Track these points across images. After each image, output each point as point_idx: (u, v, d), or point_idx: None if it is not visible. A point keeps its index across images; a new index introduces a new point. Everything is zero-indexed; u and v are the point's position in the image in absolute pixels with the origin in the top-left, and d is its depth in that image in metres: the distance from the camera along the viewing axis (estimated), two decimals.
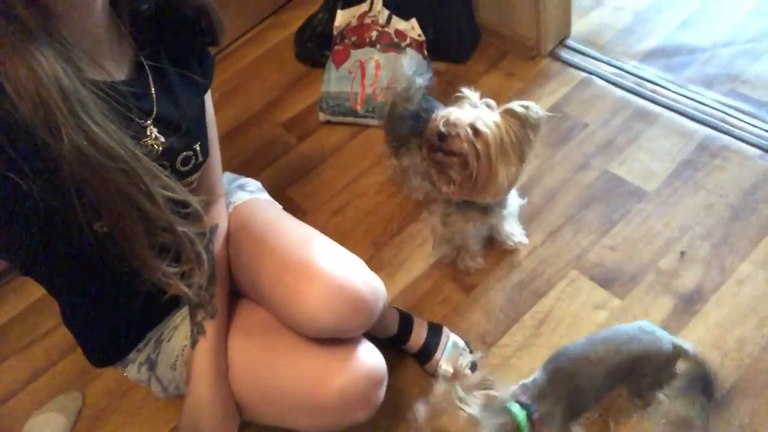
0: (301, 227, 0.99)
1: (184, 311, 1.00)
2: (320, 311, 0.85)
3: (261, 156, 1.75)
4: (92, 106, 0.66)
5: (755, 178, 1.39)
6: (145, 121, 0.80)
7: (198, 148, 0.89)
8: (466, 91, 1.15)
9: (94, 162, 0.65)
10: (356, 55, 1.73)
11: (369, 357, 0.90)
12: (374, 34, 1.74)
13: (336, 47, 1.78)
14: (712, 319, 1.21)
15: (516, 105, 1.10)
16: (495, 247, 1.40)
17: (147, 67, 0.82)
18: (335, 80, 1.73)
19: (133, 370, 1.02)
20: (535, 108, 1.10)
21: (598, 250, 1.35)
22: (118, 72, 0.79)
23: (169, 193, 0.74)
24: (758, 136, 1.46)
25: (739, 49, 1.66)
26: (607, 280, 1.30)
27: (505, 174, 1.10)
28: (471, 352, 1.24)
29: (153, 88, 0.82)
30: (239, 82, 1.99)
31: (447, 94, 1.71)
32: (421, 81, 1.33)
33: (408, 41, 1.75)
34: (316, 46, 1.91)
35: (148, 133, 0.80)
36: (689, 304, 1.24)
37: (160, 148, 0.81)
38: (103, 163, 0.66)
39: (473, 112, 1.10)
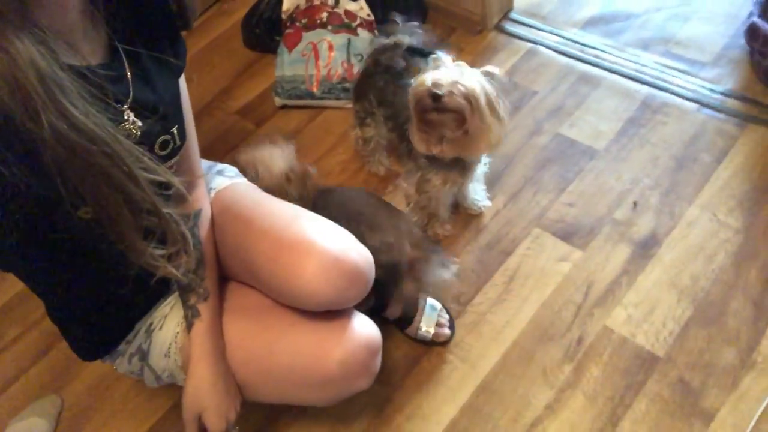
0: (287, 206, 1.01)
1: (173, 299, 1.00)
2: (320, 285, 0.86)
3: (219, 144, 1.74)
4: (70, 89, 0.65)
5: (694, 130, 1.50)
6: (122, 105, 0.80)
7: (175, 131, 0.90)
8: (440, 54, 1.19)
9: (76, 145, 0.65)
10: (308, 37, 1.74)
11: (364, 327, 0.94)
12: (324, 15, 1.76)
13: (287, 31, 1.79)
14: (667, 261, 1.30)
15: (482, 69, 1.16)
16: (461, 213, 1.45)
17: (122, 51, 0.81)
18: (289, 63, 1.73)
19: (124, 362, 1.01)
20: (497, 71, 1.16)
21: (557, 208, 1.43)
22: (94, 56, 0.78)
23: (152, 175, 0.74)
24: (693, 91, 1.57)
25: (670, 13, 1.77)
26: (567, 235, 1.38)
27: (495, 130, 1.15)
28: (448, 312, 1.29)
29: (129, 72, 0.82)
30: (187, 74, 1.95)
31: None
32: (409, 40, 1.34)
33: (358, 21, 1.77)
34: (265, 31, 1.91)
35: (126, 117, 0.80)
36: (645, 249, 1.33)
37: (138, 133, 0.81)
38: (85, 147, 0.66)
39: (456, 71, 1.14)
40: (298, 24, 1.78)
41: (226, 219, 1.00)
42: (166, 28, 0.88)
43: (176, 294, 0.99)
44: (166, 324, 0.98)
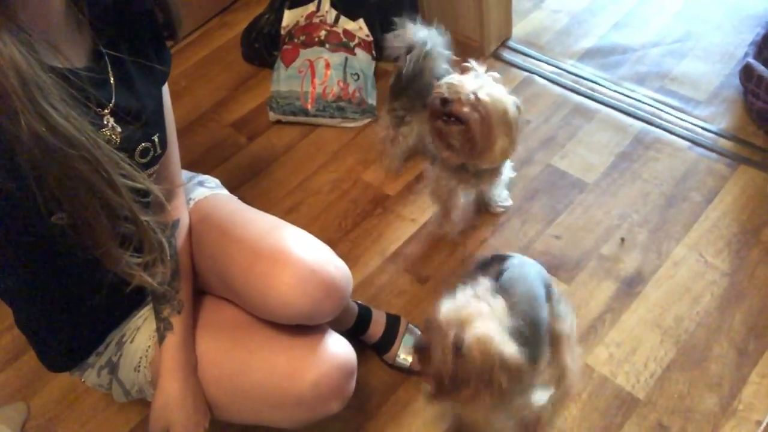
0: (267, 217, 0.99)
1: (146, 312, 0.98)
2: (295, 296, 0.85)
3: (210, 156, 1.74)
4: (51, 91, 0.64)
5: (686, 168, 1.49)
6: (103, 110, 0.79)
7: (156, 139, 0.88)
8: (472, 62, 1.19)
9: (54, 149, 0.63)
10: (305, 54, 1.73)
11: (340, 348, 0.91)
12: (323, 33, 1.76)
13: (285, 47, 1.79)
14: (652, 300, 1.29)
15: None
16: (445, 241, 1.44)
17: (106, 56, 0.80)
18: (285, 79, 1.73)
19: (92, 375, 0.99)
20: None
21: (545, 239, 1.42)
22: (77, 59, 0.77)
23: (131, 182, 0.73)
24: (687, 129, 1.56)
25: (666, 49, 1.77)
26: (553, 267, 1.36)
27: (501, 144, 1.14)
28: None
29: (112, 77, 0.80)
30: (185, 83, 1.96)
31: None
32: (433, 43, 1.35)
33: (356, 41, 1.77)
34: (264, 46, 1.91)
35: (106, 123, 0.79)
36: (630, 286, 1.31)
37: (118, 139, 0.80)
38: (64, 151, 0.64)
39: (477, 80, 1.14)
40: (296, 41, 1.78)
41: (204, 228, 0.99)
42: (151, 35, 0.87)
43: (149, 307, 0.97)
44: (138, 337, 0.96)
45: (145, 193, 0.77)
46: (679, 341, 1.22)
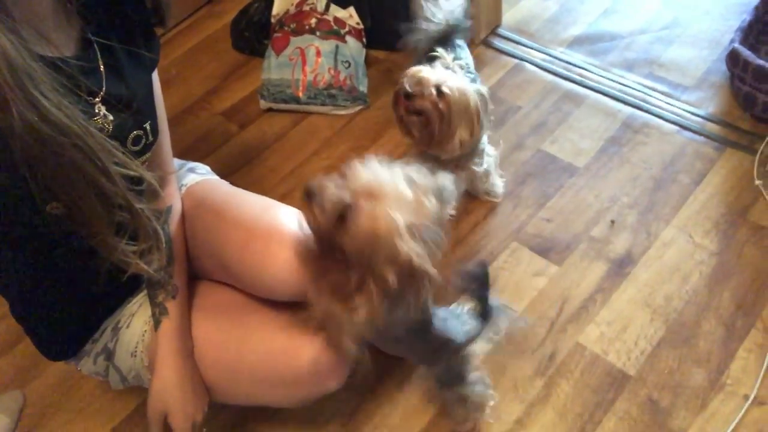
0: (261, 198, 1.00)
1: (141, 298, 0.98)
2: (291, 272, 0.86)
3: (201, 145, 1.73)
4: (42, 80, 0.64)
5: (674, 151, 1.51)
6: (94, 99, 0.78)
7: (148, 127, 0.88)
8: (440, 51, 1.19)
9: (47, 138, 0.63)
10: (296, 42, 1.74)
11: None
12: (313, 21, 1.76)
13: (275, 35, 1.79)
14: (642, 280, 1.31)
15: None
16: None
17: (95, 44, 0.80)
18: (276, 67, 1.73)
19: (89, 362, 0.99)
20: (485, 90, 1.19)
21: (536, 222, 1.43)
22: (67, 48, 0.77)
23: (125, 170, 0.73)
24: (674, 113, 1.59)
25: (654, 36, 1.79)
26: (545, 250, 1.38)
27: (461, 135, 1.15)
28: None
29: (102, 65, 0.80)
30: (175, 72, 1.95)
31: (385, 81, 1.78)
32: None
33: (347, 29, 1.77)
34: (254, 34, 1.91)
35: (97, 111, 0.78)
36: (620, 267, 1.33)
37: (110, 127, 0.80)
38: (56, 139, 0.64)
39: (442, 73, 1.14)
40: (286, 28, 1.78)
41: (198, 213, 0.99)
42: (140, 22, 0.87)
43: (145, 293, 0.97)
44: (134, 322, 0.96)
45: (138, 181, 0.77)
46: (668, 319, 1.25)
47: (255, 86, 1.82)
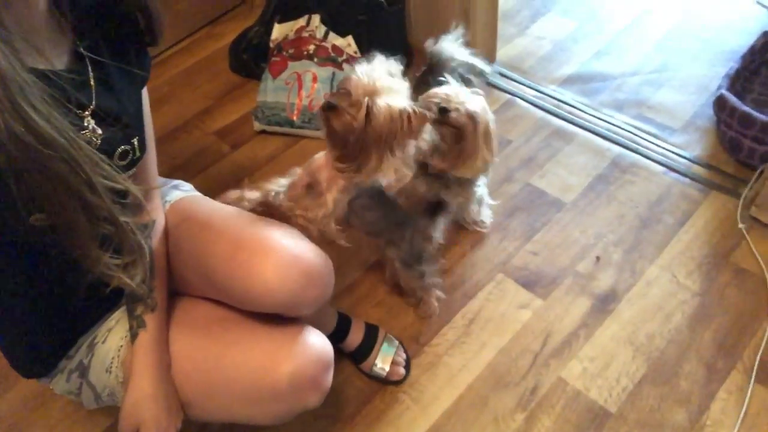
0: (245, 212, 1.00)
1: (119, 314, 0.96)
2: (277, 283, 0.85)
3: (192, 163, 1.73)
4: (32, 91, 0.64)
5: (660, 192, 1.54)
6: (83, 112, 0.79)
7: (136, 142, 0.88)
8: (448, 77, 1.21)
9: (33, 149, 0.63)
10: (294, 66, 1.76)
11: (316, 341, 0.91)
12: (312, 47, 1.78)
13: (273, 59, 1.81)
14: (625, 317, 1.31)
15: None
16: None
17: (87, 58, 0.81)
18: (272, 90, 1.75)
19: (62, 380, 0.97)
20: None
21: (522, 255, 1.44)
22: (58, 61, 0.77)
23: (111, 183, 0.73)
24: (662, 155, 1.62)
25: (645, 79, 1.83)
26: (530, 283, 1.39)
27: (483, 155, 1.17)
28: (405, 351, 1.27)
29: (92, 80, 0.81)
30: (170, 90, 1.96)
31: None
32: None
33: (345, 56, 1.80)
34: (252, 57, 1.93)
35: (86, 124, 0.79)
36: (604, 303, 1.34)
37: (98, 141, 0.80)
38: (42, 151, 0.64)
39: (466, 93, 1.16)
40: (284, 53, 1.80)
41: (183, 227, 0.99)
42: (133, 39, 0.88)
43: (123, 309, 0.96)
44: (110, 337, 0.94)
45: (123, 195, 0.77)
46: (650, 357, 1.25)
47: (249, 108, 1.83)
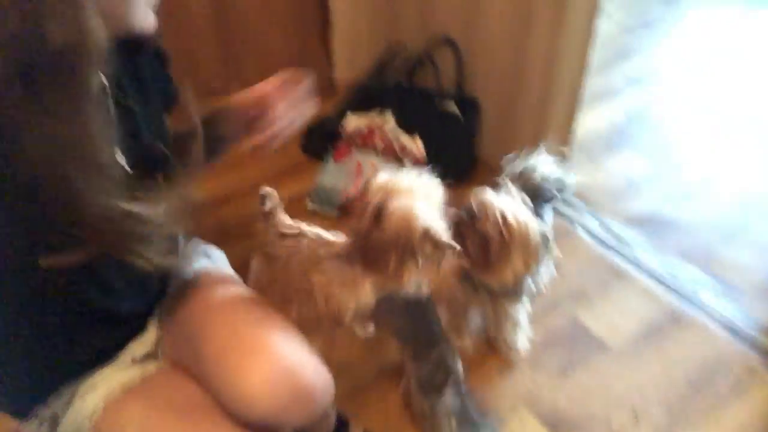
0: (263, 307, 0.94)
1: (107, 371, 0.91)
2: (262, 395, 0.78)
3: (238, 229, 1.75)
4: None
5: (717, 356, 1.39)
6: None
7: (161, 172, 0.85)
8: (505, 179, 1.19)
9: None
10: (357, 155, 1.79)
11: None
12: (379, 143, 1.82)
13: (340, 144, 1.86)
14: None
15: None
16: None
17: (109, 97, 0.79)
18: (331, 173, 1.78)
19: (33, 426, 0.90)
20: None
21: (552, 393, 1.31)
22: None
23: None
24: (726, 316, 1.47)
25: (717, 233, 1.72)
26: (553, 424, 1.25)
27: (515, 266, 1.11)
28: None
29: (115, 118, 0.79)
30: (238, 157, 2.03)
31: None
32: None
33: (410, 157, 1.82)
34: (322, 141, 1.99)
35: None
36: None
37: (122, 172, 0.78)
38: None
39: (507, 201, 1.12)
40: (353, 142, 1.85)
41: (196, 302, 0.95)
42: (154, 69, 0.90)
43: (112, 365, 0.91)
44: (90, 396, 0.88)
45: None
46: None
47: (308, 188, 1.86)
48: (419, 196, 0.92)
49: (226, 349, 0.83)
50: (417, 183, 0.94)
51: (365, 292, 1.00)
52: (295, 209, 1.80)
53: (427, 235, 0.89)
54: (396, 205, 0.89)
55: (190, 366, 0.91)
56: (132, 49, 0.82)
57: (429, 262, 0.93)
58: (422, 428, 1.21)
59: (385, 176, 0.95)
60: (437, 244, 0.90)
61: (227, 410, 0.83)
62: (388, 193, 0.91)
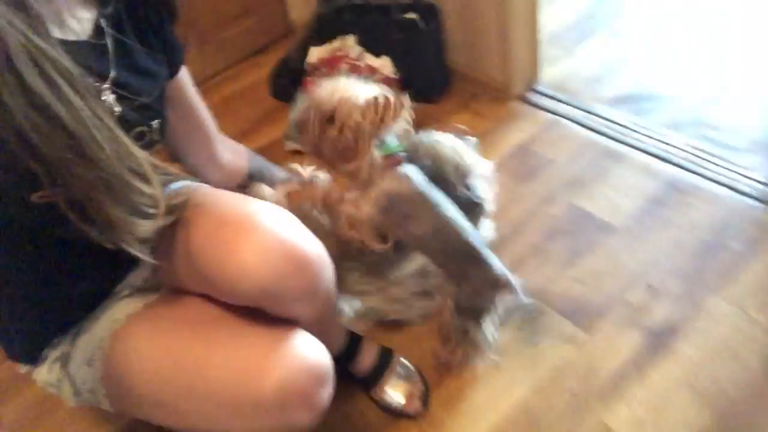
0: (248, 197, 0.89)
1: (109, 304, 0.90)
2: (256, 263, 0.75)
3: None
4: (49, 60, 0.62)
5: (725, 215, 1.35)
6: (101, 85, 0.76)
7: (155, 125, 0.85)
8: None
9: (44, 124, 0.61)
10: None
11: (311, 350, 0.79)
12: (345, 66, 1.73)
13: (307, 78, 1.77)
14: (684, 356, 1.12)
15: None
16: None
17: (107, 32, 0.80)
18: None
19: (44, 370, 0.90)
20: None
21: (564, 282, 1.28)
22: (80, 32, 0.77)
23: (129, 161, 0.70)
24: (727, 176, 1.43)
25: (702, 98, 1.66)
26: (572, 312, 1.22)
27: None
28: (424, 381, 1.13)
29: (112, 53, 0.79)
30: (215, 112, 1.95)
31: (415, 130, 1.72)
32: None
33: (379, 76, 1.74)
34: (290, 81, 1.90)
35: (102, 98, 0.76)
36: (659, 339, 1.15)
37: (114, 116, 0.77)
38: (55, 127, 0.62)
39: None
40: (319, 73, 1.76)
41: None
42: (155, 15, 0.88)
43: (114, 297, 0.91)
44: (96, 326, 0.87)
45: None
46: (716, 406, 1.04)
47: (284, 130, 1.79)
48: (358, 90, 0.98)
49: (215, 230, 0.80)
50: (356, 83, 0.99)
51: (359, 201, 1.01)
52: (275, 153, 1.75)
53: (369, 105, 0.95)
54: (337, 100, 0.96)
55: (186, 277, 0.87)
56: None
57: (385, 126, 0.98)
58: (452, 341, 1.12)
59: (326, 85, 0.98)
60: (388, 105, 0.96)
61: (222, 293, 0.80)
62: (331, 93, 0.96)
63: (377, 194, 1.01)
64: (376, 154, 1.00)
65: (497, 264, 1.04)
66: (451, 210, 1.03)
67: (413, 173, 1.03)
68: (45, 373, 0.90)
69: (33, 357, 0.90)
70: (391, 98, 0.97)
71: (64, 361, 0.89)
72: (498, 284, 1.04)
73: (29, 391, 1.25)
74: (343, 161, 1.01)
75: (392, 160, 1.02)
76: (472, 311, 1.07)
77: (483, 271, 1.03)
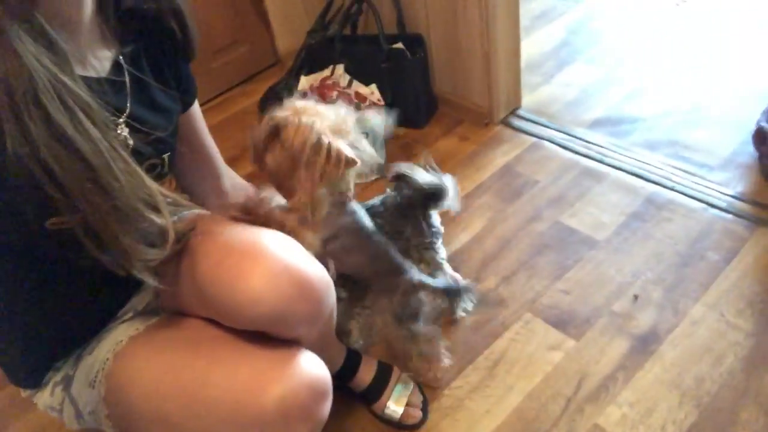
0: (256, 227, 0.92)
1: (112, 327, 0.92)
2: (264, 291, 0.77)
3: None
4: (69, 95, 0.66)
5: (701, 229, 1.43)
6: (117, 119, 0.80)
7: (166, 158, 0.89)
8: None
9: (62, 155, 0.64)
10: None
11: (312, 366, 0.82)
12: (334, 94, 1.80)
13: None
14: (669, 359, 1.18)
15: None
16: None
17: (126, 69, 0.84)
18: None
19: (46, 394, 0.91)
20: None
21: (552, 294, 1.34)
22: (100, 69, 0.81)
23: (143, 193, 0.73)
24: (701, 191, 1.52)
25: (677, 119, 1.76)
26: (561, 322, 1.28)
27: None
28: (422, 393, 1.17)
29: (130, 89, 0.84)
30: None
31: (402, 154, 1.79)
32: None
33: (367, 103, 1.81)
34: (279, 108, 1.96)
35: (119, 131, 0.80)
36: (645, 344, 1.21)
37: (128, 149, 0.80)
38: (71, 157, 0.65)
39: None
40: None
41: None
42: (171, 54, 0.92)
43: (118, 320, 0.93)
44: (98, 348, 0.89)
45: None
46: (700, 404, 1.10)
47: None
48: (324, 118, 0.93)
49: (222, 258, 0.81)
50: (326, 109, 0.96)
51: (304, 235, 0.95)
52: (264, 179, 1.80)
53: (321, 144, 0.90)
54: (294, 120, 0.92)
55: (191, 302, 0.89)
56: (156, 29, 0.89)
57: (329, 175, 0.93)
58: (405, 350, 1.15)
59: (293, 101, 0.97)
60: (333, 156, 0.91)
61: (231, 319, 0.82)
62: (294, 112, 0.93)
63: (322, 229, 1.00)
64: (323, 191, 0.97)
65: (414, 269, 1.12)
66: (378, 234, 1.10)
67: (357, 209, 1.08)
68: (47, 397, 0.91)
69: (36, 381, 0.92)
70: (343, 154, 0.91)
71: (66, 383, 0.90)
72: (418, 285, 1.10)
73: (30, 416, 1.25)
74: (282, 192, 0.99)
75: (340, 197, 1.03)
76: (409, 315, 1.10)
77: (406, 278, 1.09)
